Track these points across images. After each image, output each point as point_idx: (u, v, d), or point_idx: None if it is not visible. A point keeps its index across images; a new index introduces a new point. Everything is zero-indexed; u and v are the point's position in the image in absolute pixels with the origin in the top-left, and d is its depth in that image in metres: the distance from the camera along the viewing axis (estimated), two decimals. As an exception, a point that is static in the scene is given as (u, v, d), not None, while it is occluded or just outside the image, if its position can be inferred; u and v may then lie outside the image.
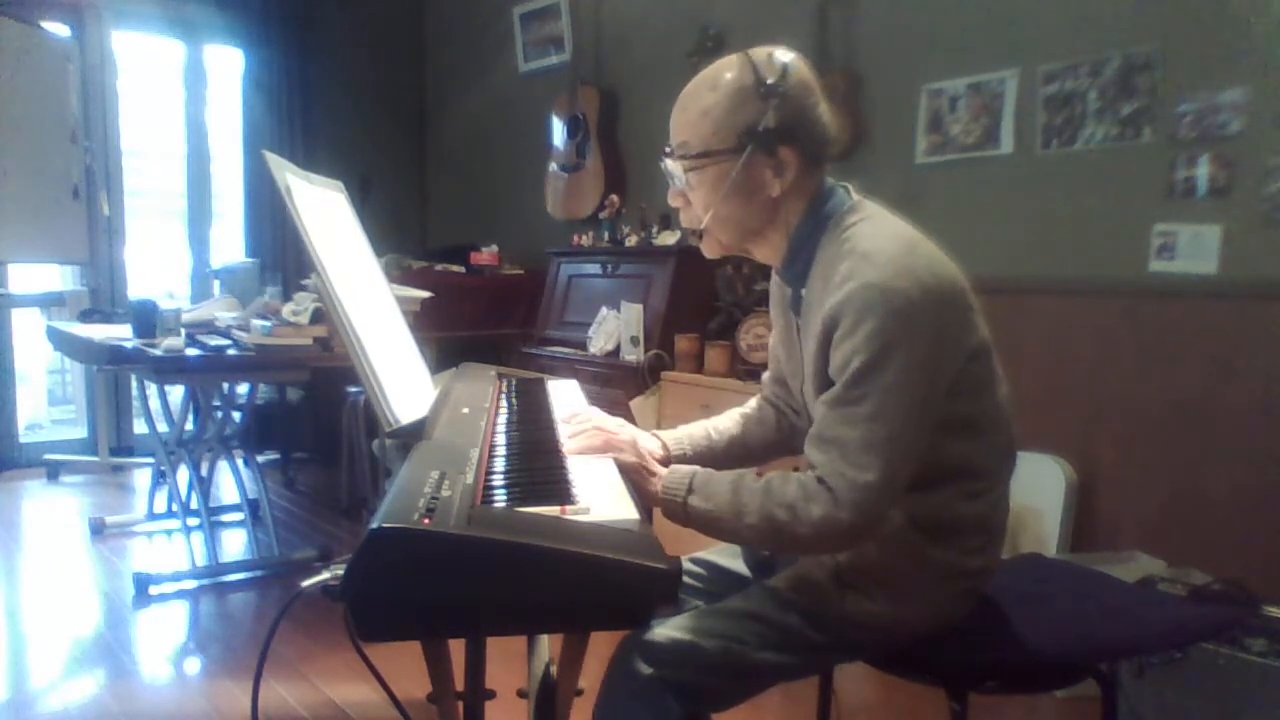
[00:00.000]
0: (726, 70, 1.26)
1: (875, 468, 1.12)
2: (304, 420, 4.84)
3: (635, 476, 1.27)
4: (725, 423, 1.55)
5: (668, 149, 1.32)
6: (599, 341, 3.68)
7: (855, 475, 1.12)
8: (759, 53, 1.25)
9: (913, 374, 1.13)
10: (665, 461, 1.46)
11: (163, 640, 2.68)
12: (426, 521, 0.89)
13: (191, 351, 2.85)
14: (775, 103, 1.21)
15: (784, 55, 1.25)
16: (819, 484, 1.15)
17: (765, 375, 1.60)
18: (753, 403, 1.60)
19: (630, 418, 2.85)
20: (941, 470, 1.23)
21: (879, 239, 1.19)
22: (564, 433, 1.38)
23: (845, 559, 1.26)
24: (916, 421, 1.15)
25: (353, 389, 3.90)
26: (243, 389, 3.70)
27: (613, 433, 1.33)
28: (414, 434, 1.23)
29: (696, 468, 1.27)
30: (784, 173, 1.24)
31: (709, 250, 1.35)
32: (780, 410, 1.56)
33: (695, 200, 1.30)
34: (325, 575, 0.93)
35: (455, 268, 4.47)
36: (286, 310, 2.95)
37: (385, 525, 0.88)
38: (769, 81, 1.22)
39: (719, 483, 1.22)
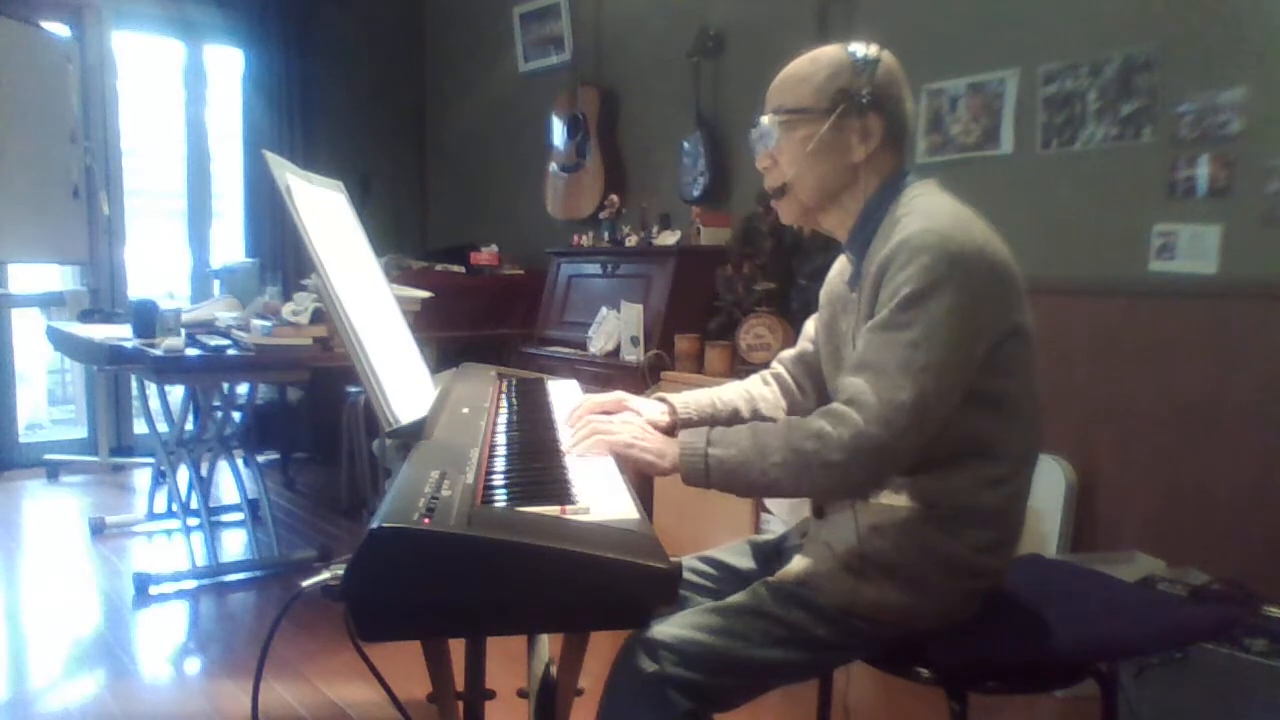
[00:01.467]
0: (826, 50, 1.36)
1: (909, 390, 1.15)
2: (304, 420, 4.84)
3: (632, 452, 1.28)
4: (729, 394, 1.57)
5: (758, 118, 1.39)
6: (599, 341, 3.68)
7: (889, 395, 1.15)
8: (856, 43, 1.36)
9: (958, 314, 1.17)
10: (672, 424, 1.50)
11: (163, 640, 2.68)
12: (426, 521, 0.89)
13: (191, 351, 2.85)
14: (868, 75, 1.31)
15: (877, 48, 1.35)
16: (847, 405, 1.18)
17: (785, 352, 1.62)
18: (756, 380, 1.61)
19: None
20: (963, 446, 1.24)
21: (941, 205, 1.27)
22: (565, 436, 1.38)
23: (855, 547, 1.26)
24: (954, 359, 1.17)
25: (353, 389, 3.90)
26: (243, 389, 3.70)
27: (608, 428, 1.33)
28: (414, 434, 1.23)
29: (709, 426, 1.28)
30: (868, 139, 1.32)
31: (787, 213, 1.41)
32: (787, 387, 1.58)
33: (782, 158, 1.36)
34: (325, 575, 0.93)
35: (455, 268, 4.47)
36: (286, 310, 2.95)
37: (385, 525, 0.88)
38: (865, 61, 1.32)
39: (736, 432, 1.24)
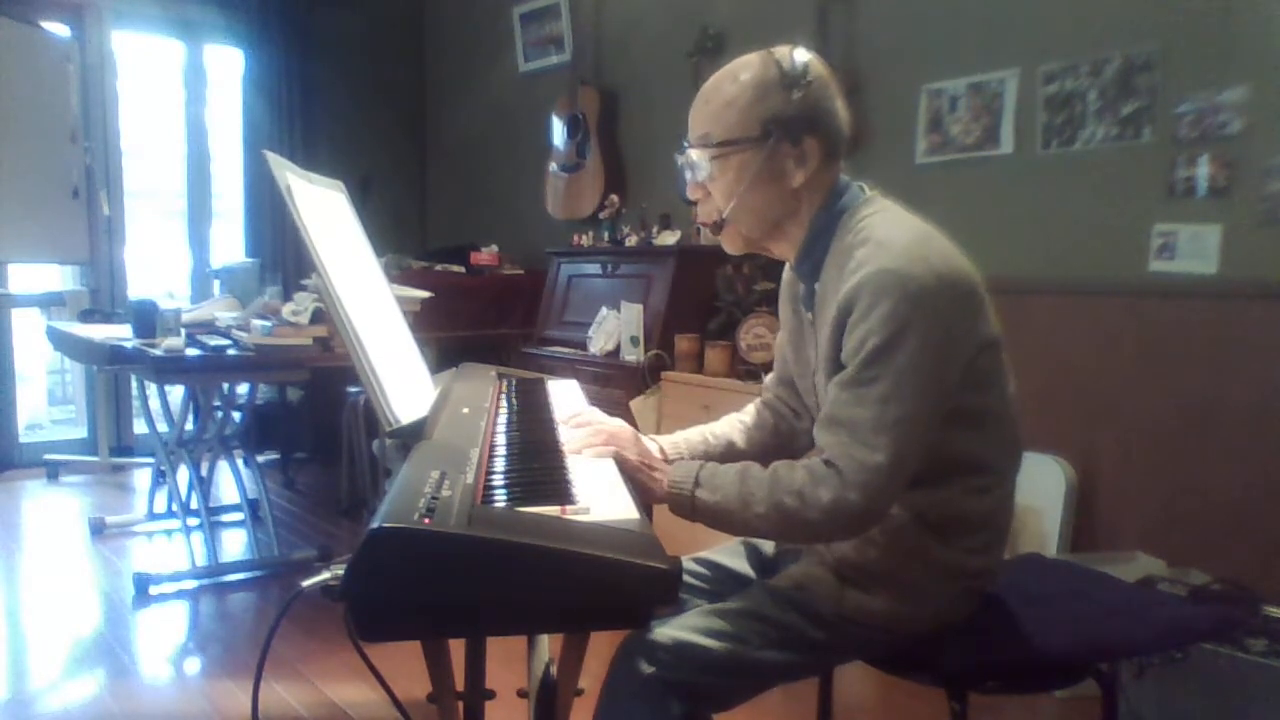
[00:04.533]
0: (748, 64, 1.28)
1: (885, 449, 1.13)
2: (304, 420, 4.83)
3: (638, 475, 1.27)
4: (722, 428, 1.55)
5: (685, 143, 1.33)
6: (599, 341, 3.68)
7: (865, 456, 1.14)
8: (779, 50, 1.28)
9: (926, 357, 1.14)
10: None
11: (163, 640, 2.68)
12: (427, 521, 0.89)
13: (191, 351, 2.85)
14: (798, 94, 1.24)
15: (803, 53, 1.27)
16: (826, 467, 1.16)
17: (768, 378, 1.60)
18: (750, 409, 1.59)
19: (630, 418, 2.85)
20: (949, 464, 1.24)
21: (893, 229, 1.21)
22: (564, 434, 1.38)
23: (848, 556, 1.26)
24: (928, 405, 1.16)
25: (353, 389, 3.90)
26: (243, 389, 3.70)
27: (615, 431, 1.33)
28: (414, 434, 1.23)
29: (701, 461, 1.27)
30: (806, 163, 1.26)
31: (729, 244, 1.36)
32: (779, 413, 1.56)
33: (716, 191, 1.31)
34: (325, 575, 0.93)
35: (455, 268, 4.47)
36: (286, 310, 2.95)
37: (385, 525, 0.88)
38: (791, 74, 1.24)
39: (725, 474, 1.23)
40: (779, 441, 1.55)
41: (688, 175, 1.33)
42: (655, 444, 1.49)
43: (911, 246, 1.18)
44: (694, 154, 1.30)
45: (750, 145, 1.25)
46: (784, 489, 1.17)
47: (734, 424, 1.56)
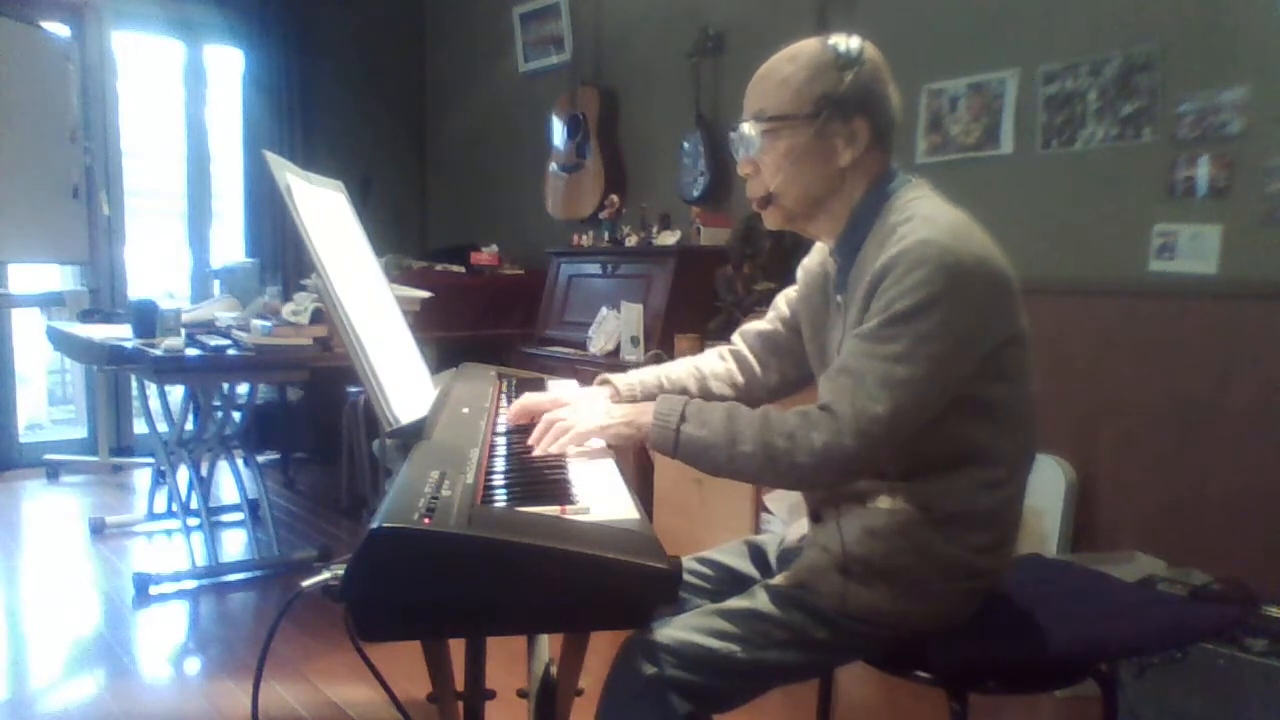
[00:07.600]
0: (805, 47, 1.32)
1: (886, 402, 1.14)
2: (304, 420, 4.83)
3: (607, 433, 1.28)
4: (678, 371, 1.54)
5: (736, 125, 1.35)
6: (599, 341, 3.68)
7: (865, 405, 1.15)
8: (836, 35, 1.32)
9: (949, 331, 1.15)
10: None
11: (163, 640, 2.68)
12: (427, 521, 0.89)
13: (191, 351, 2.85)
14: (851, 74, 1.27)
15: (858, 40, 1.31)
16: (822, 411, 1.17)
17: (748, 326, 1.59)
18: (713, 354, 1.59)
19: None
20: (961, 453, 1.24)
21: (939, 211, 1.24)
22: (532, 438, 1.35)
23: (852, 550, 1.26)
24: (938, 376, 1.17)
25: (353, 389, 3.90)
26: (243, 389, 3.70)
27: (568, 422, 1.31)
28: (414, 434, 1.23)
29: (687, 397, 1.27)
30: (855, 143, 1.28)
31: (771, 220, 1.37)
32: (745, 362, 1.56)
33: (765, 166, 1.32)
34: (325, 575, 0.93)
35: (455, 268, 4.47)
36: (286, 310, 2.95)
37: (385, 525, 0.88)
38: (846, 56, 1.28)
39: (713, 410, 1.24)
40: (735, 394, 1.54)
41: (739, 151, 1.35)
42: (608, 386, 1.49)
43: (956, 226, 1.21)
44: (746, 128, 1.32)
45: (801, 121, 1.28)
46: (775, 430, 1.18)
47: (690, 370, 1.55)
